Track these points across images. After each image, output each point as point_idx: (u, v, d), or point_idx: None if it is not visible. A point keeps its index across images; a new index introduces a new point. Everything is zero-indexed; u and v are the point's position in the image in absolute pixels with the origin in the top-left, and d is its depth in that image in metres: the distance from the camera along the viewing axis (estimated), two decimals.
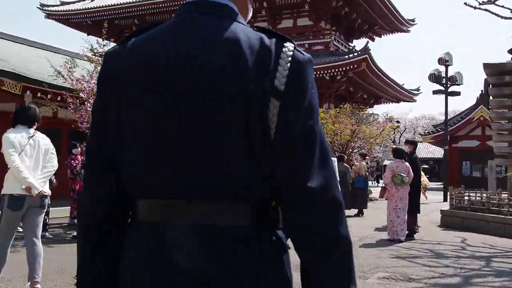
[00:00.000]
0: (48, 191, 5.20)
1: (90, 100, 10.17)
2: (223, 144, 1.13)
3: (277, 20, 39.28)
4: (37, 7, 44.20)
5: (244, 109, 1.11)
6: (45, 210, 5.34)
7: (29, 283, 5.01)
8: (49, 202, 9.21)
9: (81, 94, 10.26)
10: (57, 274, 6.16)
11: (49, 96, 10.77)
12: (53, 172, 5.37)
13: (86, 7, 41.09)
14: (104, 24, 10.64)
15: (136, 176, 1.20)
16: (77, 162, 10.55)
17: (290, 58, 1.16)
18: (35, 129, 5.11)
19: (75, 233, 9.12)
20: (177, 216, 1.16)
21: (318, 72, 33.61)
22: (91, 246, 1.31)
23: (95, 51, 10.61)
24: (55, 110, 10.64)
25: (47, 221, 9.14)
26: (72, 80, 10.25)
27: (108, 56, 1.27)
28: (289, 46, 1.17)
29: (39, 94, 12.22)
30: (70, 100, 10.34)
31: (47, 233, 9.05)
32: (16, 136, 4.94)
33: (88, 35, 13.80)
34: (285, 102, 1.13)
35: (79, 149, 10.83)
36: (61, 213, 11.16)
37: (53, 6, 43.47)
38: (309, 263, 1.17)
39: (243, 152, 1.13)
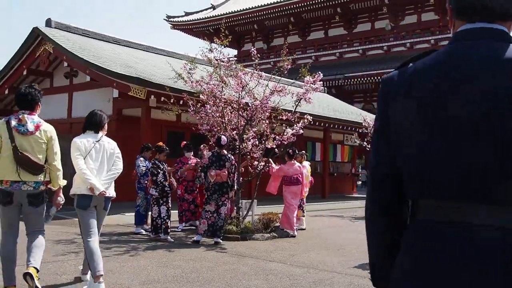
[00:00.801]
0: (113, 194, 5.49)
1: (210, 102, 9.97)
2: (506, 153, 1.24)
3: (400, 17, 37.67)
4: (164, 19, 46.49)
5: None
6: (107, 212, 5.60)
7: (84, 275, 5.52)
8: (170, 206, 9.17)
9: (201, 96, 10.09)
10: (175, 282, 5.81)
11: (171, 100, 10.73)
12: (118, 174, 5.57)
13: (208, 16, 42.36)
14: (224, 31, 10.31)
15: (420, 180, 1.36)
16: (181, 165, 10.38)
17: None
18: (101, 134, 5.50)
19: (195, 238, 8.88)
20: (459, 217, 1.29)
21: None
22: (386, 247, 1.50)
23: (214, 56, 10.37)
24: (178, 112, 10.58)
25: (168, 224, 9.01)
26: (192, 82, 10.11)
27: (386, 80, 1.49)
28: None
29: (162, 99, 12.34)
30: (191, 103, 10.21)
31: (169, 237, 8.90)
32: (82, 141, 5.36)
33: (210, 43, 13.93)
34: None
35: (192, 152, 10.63)
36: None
37: (178, 17, 45.42)
38: None
39: None
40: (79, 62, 14.26)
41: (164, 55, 18.60)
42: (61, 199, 5.09)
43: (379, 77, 35.22)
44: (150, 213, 9.42)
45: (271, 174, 10.51)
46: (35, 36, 15.89)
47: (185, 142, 10.77)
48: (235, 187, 9.48)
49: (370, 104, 38.35)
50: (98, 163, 5.37)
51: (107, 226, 10.51)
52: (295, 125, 10.27)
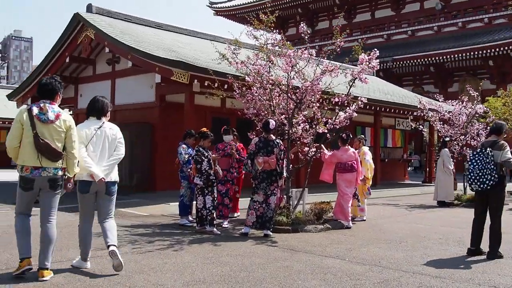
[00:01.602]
0: (115, 178, 5.62)
1: (256, 84, 9.29)
2: None
3: None
4: (207, 5, 46.07)
5: None
6: (114, 196, 5.67)
7: (108, 249, 5.43)
8: (216, 196, 8.56)
9: (246, 78, 9.42)
10: (223, 283, 5.18)
11: (215, 85, 10.13)
12: (120, 159, 5.65)
13: (252, 0, 41.55)
14: (268, 13, 9.54)
15: None
16: (221, 152, 9.41)
17: None
18: (103, 120, 5.61)
19: (243, 230, 8.28)
20: None
21: (500, 49, 30.04)
22: None
23: (261, 34, 9.62)
24: (222, 96, 9.91)
25: (214, 215, 8.41)
26: (236, 63, 9.42)
27: None
28: None
29: (206, 83, 11.76)
30: (236, 85, 9.55)
31: (215, 229, 8.30)
32: (83, 128, 5.50)
33: (254, 28, 13.04)
34: None
35: (231, 136, 9.71)
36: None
37: (221, 3, 44.86)
38: None
39: None
40: (120, 47, 13.85)
41: (209, 39, 18.01)
42: (71, 185, 5.33)
43: (429, 59, 33.80)
44: (194, 203, 8.85)
45: (323, 161, 9.76)
46: (76, 22, 15.58)
47: (225, 127, 9.85)
48: (285, 174, 8.78)
49: (419, 87, 36.95)
50: (99, 149, 5.51)
51: (151, 217, 10.06)
52: (348, 108, 9.48)
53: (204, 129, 8.86)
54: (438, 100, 15.91)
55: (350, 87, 9.46)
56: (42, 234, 5.16)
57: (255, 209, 8.27)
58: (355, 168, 9.64)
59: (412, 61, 34.87)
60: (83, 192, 5.53)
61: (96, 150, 5.50)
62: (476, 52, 31.48)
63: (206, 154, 8.46)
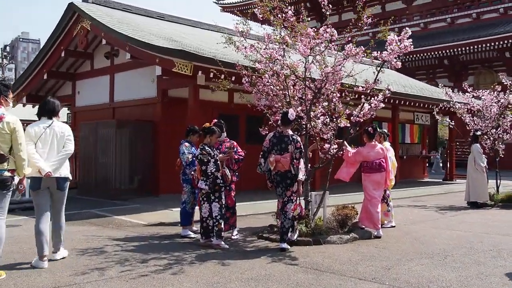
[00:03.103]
0: (65, 174, 5.85)
1: (268, 72, 8.01)
2: None
3: None
4: (213, 2, 44.97)
5: None
6: (65, 191, 5.92)
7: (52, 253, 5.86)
8: (224, 203, 7.24)
9: (257, 65, 8.15)
10: None
11: (222, 76, 8.88)
12: (69, 155, 5.89)
13: None
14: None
15: None
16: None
17: None
18: (53, 120, 5.89)
19: (262, 243, 6.99)
20: None
21: None
22: None
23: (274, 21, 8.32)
24: (229, 87, 8.58)
25: (222, 226, 7.08)
26: (245, 48, 8.13)
27: None
28: None
29: (211, 75, 10.49)
30: (244, 73, 8.26)
31: (222, 242, 7.01)
32: (33, 127, 5.81)
33: (261, 24, 11.64)
34: None
35: (225, 133, 8.04)
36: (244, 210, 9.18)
37: None
38: None
39: None
40: (117, 37, 12.60)
41: (213, 30, 16.77)
42: (22, 186, 5.37)
43: (443, 52, 32.52)
44: (199, 211, 7.53)
45: (346, 160, 8.47)
46: (72, 12, 14.39)
47: (219, 122, 8.11)
48: (301, 177, 7.31)
49: (433, 81, 35.56)
50: (47, 146, 5.78)
51: (149, 227, 8.81)
52: (372, 99, 8.19)
53: (207, 124, 7.58)
54: (467, 91, 14.53)
55: (378, 72, 8.17)
56: None
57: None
58: (384, 167, 8.35)
59: (425, 54, 33.80)
60: (34, 189, 5.75)
61: (45, 147, 5.74)
62: (491, 44, 30.21)
63: (213, 154, 7.20)
